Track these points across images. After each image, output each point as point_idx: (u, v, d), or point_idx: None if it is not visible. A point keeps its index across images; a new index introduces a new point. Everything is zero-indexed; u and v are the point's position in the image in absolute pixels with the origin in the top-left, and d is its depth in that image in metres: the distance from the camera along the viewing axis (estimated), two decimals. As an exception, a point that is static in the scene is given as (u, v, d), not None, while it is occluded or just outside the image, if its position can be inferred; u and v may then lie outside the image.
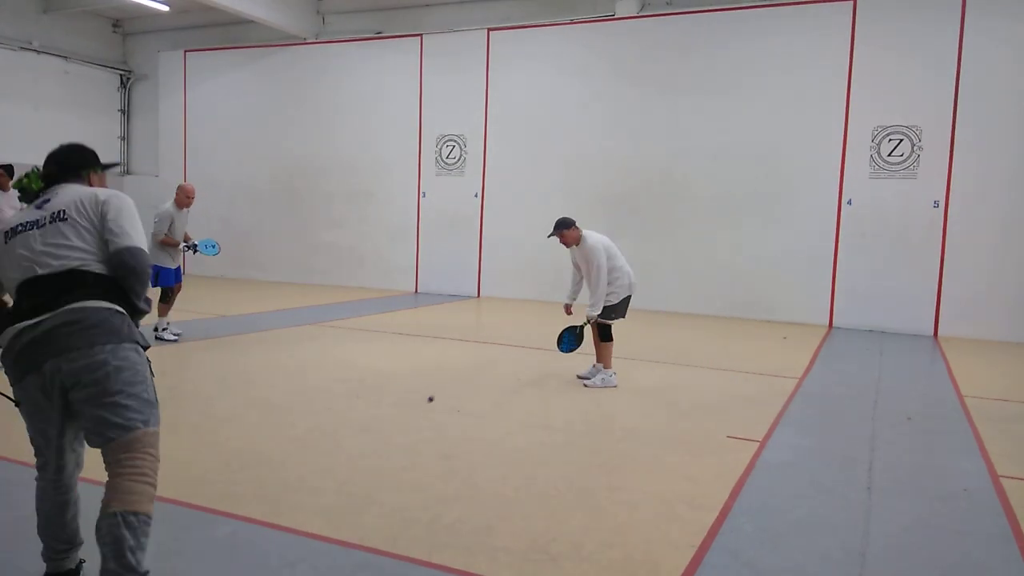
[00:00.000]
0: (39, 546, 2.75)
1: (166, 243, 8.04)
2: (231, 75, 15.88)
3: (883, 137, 10.81)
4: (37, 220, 2.47)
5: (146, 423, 2.38)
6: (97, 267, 2.44)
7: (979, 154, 10.34)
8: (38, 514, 2.58)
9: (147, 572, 2.30)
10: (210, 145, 16.11)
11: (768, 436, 5.17)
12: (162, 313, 8.14)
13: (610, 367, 6.49)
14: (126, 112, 17.41)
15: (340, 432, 4.91)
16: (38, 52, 15.42)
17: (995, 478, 4.45)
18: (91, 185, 2.65)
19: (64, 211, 2.46)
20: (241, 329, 9.14)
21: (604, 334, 6.46)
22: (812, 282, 11.31)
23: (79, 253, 2.42)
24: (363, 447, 4.61)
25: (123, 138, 17.44)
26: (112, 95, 17.23)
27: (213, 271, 15.56)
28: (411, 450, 4.57)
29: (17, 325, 2.33)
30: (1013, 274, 10.27)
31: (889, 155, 10.80)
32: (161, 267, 8.00)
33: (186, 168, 16.43)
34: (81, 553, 2.72)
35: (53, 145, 2.70)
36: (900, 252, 10.81)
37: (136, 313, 2.52)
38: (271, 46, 15.33)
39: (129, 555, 2.23)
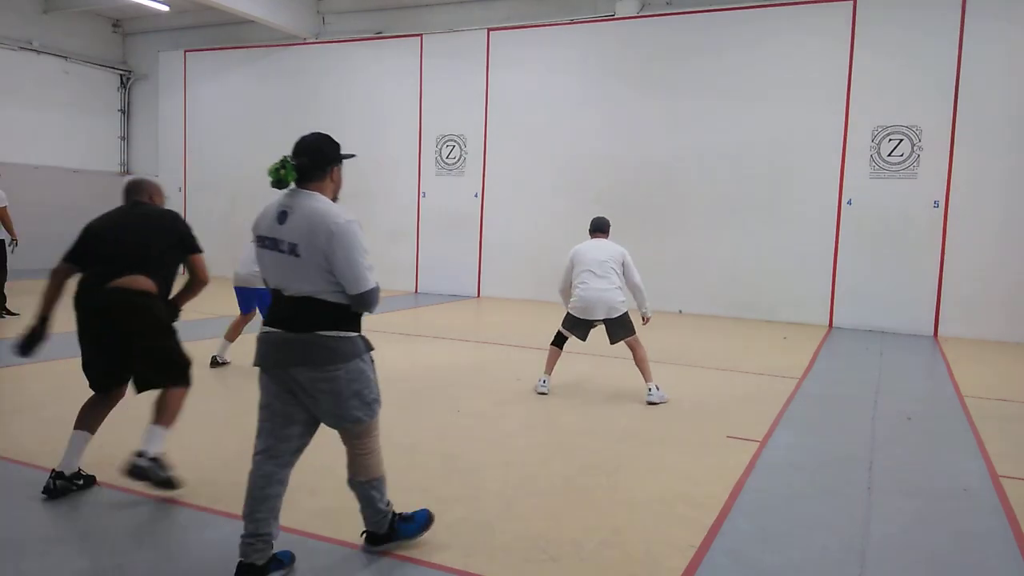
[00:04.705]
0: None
1: None
2: (231, 75, 15.88)
3: (883, 137, 10.81)
4: (278, 241, 2.83)
5: (370, 416, 3.02)
6: (329, 296, 2.82)
7: (979, 154, 10.34)
8: (251, 491, 2.93)
9: (389, 502, 3.17)
10: (210, 145, 16.11)
11: (768, 436, 5.17)
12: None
13: (547, 372, 6.32)
14: (126, 112, 17.41)
15: (340, 432, 4.90)
16: (38, 52, 15.42)
17: (995, 478, 4.45)
18: (332, 179, 2.99)
19: (297, 247, 2.78)
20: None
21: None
22: (812, 282, 11.31)
23: (311, 286, 2.80)
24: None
25: (123, 138, 17.44)
26: (112, 95, 17.22)
27: (213, 272, 15.54)
28: (411, 450, 4.57)
29: (266, 328, 2.89)
30: (1013, 274, 10.26)
31: (889, 155, 10.80)
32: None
33: (186, 168, 16.43)
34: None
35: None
36: (900, 252, 10.80)
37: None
38: (271, 46, 15.33)
39: (379, 503, 3.12)
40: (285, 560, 3.00)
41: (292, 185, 2.90)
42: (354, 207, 12.43)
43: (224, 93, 15.94)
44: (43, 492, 3.60)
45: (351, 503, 3.69)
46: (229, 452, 4.46)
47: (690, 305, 11.93)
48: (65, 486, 3.63)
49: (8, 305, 9.28)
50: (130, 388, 3.84)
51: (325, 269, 2.79)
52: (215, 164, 15.98)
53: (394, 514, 3.19)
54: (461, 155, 13.75)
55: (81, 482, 3.72)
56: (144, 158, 17.34)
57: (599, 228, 6.39)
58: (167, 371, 3.73)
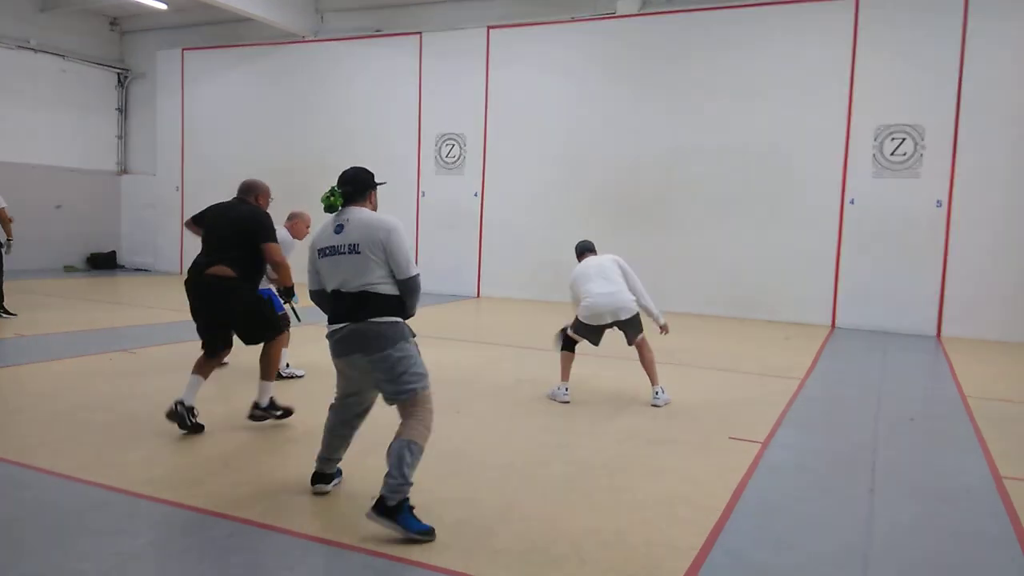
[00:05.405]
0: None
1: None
2: (229, 73, 15.85)
3: (886, 136, 10.79)
4: (337, 247, 3.50)
5: (422, 388, 3.52)
6: (381, 288, 3.47)
7: (982, 153, 10.32)
8: (326, 432, 3.81)
9: (412, 483, 3.34)
10: (208, 144, 16.08)
11: (770, 437, 5.14)
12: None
13: (564, 379, 6.15)
14: (123, 111, 17.39)
15: (339, 432, 4.88)
16: (35, 51, 15.39)
17: (997, 479, 4.42)
18: (370, 201, 3.72)
19: (358, 245, 3.46)
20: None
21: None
22: (814, 282, 11.29)
23: (368, 278, 3.45)
24: (363, 448, 4.58)
25: (120, 137, 17.41)
26: (110, 94, 17.20)
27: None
28: (411, 450, 4.54)
29: (332, 326, 3.52)
30: (1016, 274, 10.24)
31: (892, 154, 10.78)
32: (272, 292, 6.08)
33: (183, 167, 16.40)
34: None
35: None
36: (903, 252, 10.78)
37: (408, 316, 3.59)
38: (269, 44, 15.30)
39: (406, 468, 3.32)
40: (338, 474, 3.91)
41: (340, 208, 3.62)
42: (353, 206, 11.89)
43: (222, 91, 15.91)
44: (166, 415, 4.63)
45: (351, 504, 3.68)
46: (229, 452, 4.44)
47: (690, 305, 11.90)
48: (184, 412, 4.66)
49: (6, 304, 9.25)
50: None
51: (381, 262, 3.45)
52: (213, 162, 15.95)
53: (408, 498, 3.32)
54: (461, 154, 13.72)
55: (195, 418, 4.73)
56: (142, 157, 17.32)
57: (588, 249, 6.34)
58: (255, 333, 4.87)
